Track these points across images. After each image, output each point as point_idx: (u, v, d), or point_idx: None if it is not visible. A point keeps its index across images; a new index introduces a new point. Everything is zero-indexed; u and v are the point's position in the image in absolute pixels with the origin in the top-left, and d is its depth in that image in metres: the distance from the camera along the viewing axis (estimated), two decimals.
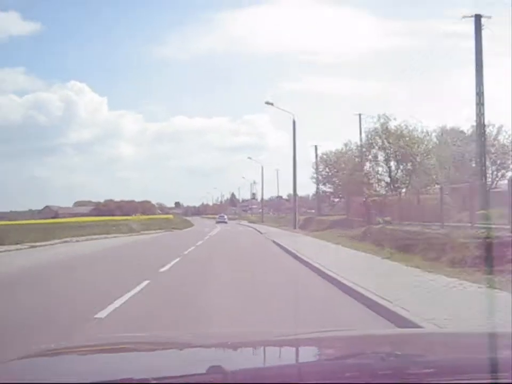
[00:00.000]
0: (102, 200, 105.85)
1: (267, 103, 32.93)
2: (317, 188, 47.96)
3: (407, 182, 29.79)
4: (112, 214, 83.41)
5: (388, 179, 30.60)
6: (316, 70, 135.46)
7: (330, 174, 44.78)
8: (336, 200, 46.51)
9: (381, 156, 30.63)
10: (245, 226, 57.53)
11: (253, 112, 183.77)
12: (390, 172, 30.44)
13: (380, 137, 30.29)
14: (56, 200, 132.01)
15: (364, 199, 25.45)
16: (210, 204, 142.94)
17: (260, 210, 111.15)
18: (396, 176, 30.22)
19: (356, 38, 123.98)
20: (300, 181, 52.48)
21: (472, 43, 19.30)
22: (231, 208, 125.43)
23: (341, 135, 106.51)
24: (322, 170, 46.60)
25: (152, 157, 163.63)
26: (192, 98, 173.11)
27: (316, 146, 57.76)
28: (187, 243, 22.91)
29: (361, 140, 37.06)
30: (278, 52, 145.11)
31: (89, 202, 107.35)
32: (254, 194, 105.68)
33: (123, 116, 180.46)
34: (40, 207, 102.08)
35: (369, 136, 30.80)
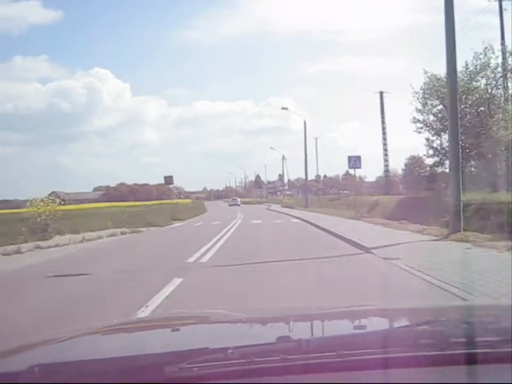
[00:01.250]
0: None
1: None
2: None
3: None
4: (124, 200, 74.67)
5: None
6: (341, 50, 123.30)
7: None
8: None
9: None
10: (282, 214, 37.39)
11: (277, 94, 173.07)
12: None
13: None
14: (79, 186, 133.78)
15: None
16: (233, 186, 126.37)
17: (289, 192, 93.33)
18: None
19: (381, 16, 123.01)
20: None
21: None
22: (256, 191, 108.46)
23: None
24: (434, 107, 25.21)
25: (175, 141, 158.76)
26: (215, 82, 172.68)
27: (381, 93, 43.76)
28: None
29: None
30: (303, 31, 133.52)
31: (107, 187, 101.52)
32: (280, 175, 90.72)
33: (146, 101, 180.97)
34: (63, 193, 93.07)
35: None
